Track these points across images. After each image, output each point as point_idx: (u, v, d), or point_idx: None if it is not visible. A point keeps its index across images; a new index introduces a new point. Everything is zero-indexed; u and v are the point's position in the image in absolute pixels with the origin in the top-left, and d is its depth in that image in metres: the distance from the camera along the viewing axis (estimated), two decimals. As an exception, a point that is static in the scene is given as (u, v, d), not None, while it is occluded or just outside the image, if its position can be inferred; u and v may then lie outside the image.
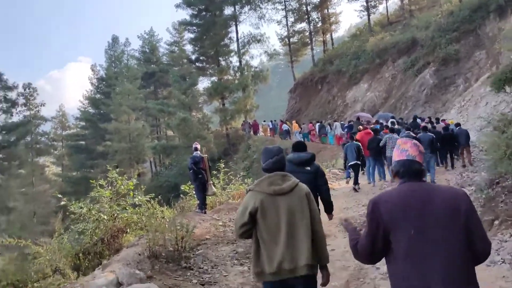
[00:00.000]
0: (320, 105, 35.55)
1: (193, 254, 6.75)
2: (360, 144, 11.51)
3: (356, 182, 11.52)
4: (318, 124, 26.91)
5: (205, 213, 10.38)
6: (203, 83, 44.97)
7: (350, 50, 34.83)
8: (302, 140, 26.74)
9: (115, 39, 47.92)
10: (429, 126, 14.77)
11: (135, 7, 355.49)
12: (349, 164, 11.39)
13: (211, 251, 6.94)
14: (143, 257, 6.15)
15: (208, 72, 41.31)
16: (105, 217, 9.88)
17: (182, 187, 12.80)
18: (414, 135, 11.36)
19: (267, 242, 2.97)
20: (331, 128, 25.50)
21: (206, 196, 10.67)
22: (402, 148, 2.34)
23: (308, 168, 4.91)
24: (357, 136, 12.82)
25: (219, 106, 37.93)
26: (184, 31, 44.10)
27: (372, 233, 2.20)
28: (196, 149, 10.42)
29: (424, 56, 26.41)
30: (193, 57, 42.00)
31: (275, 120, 34.47)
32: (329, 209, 5.16)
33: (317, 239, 3.04)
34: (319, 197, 4.96)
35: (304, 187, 3.14)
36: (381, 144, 11.43)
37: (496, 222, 6.14)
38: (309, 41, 42.45)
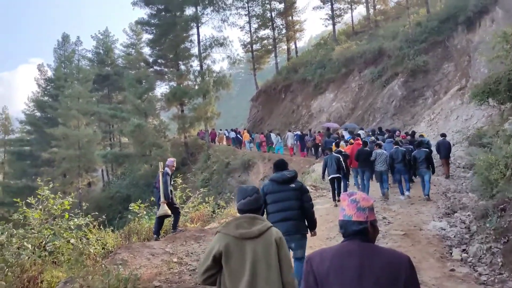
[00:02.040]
0: (284, 114, 34.21)
1: (135, 315, 4.88)
2: (340, 156, 11.02)
3: (335, 198, 11.03)
4: (267, 133, 26.97)
5: (156, 239, 8.51)
6: (161, 88, 42.69)
7: (315, 58, 33.78)
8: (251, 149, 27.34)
9: (65, 38, 44.57)
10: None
11: (91, 8, 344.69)
12: (329, 178, 10.94)
13: (160, 308, 5.08)
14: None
15: (166, 76, 39.06)
16: (29, 246, 8.13)
17: (131, 207, 10.90)
18: (403, 149, 10.63)
19: None
20: (281, 138, 25.13)
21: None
22: (341, 206, 2.17)
23: (293, 185, 4.87)
24: (347, 148, 12.64)
25: (178, 113, 35.54)
26: (142, 32, 41.63)
27: None
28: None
29: (392, 67, 25.62)
30: (151, 60, 39.42)
31: (231, 129, 33.68)
32: (312, 226, 5.06)
33: None
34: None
35: (275, 231, 2.85)
36: (372, 158, 11.21)
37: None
38: (273, 48, 41.27)
